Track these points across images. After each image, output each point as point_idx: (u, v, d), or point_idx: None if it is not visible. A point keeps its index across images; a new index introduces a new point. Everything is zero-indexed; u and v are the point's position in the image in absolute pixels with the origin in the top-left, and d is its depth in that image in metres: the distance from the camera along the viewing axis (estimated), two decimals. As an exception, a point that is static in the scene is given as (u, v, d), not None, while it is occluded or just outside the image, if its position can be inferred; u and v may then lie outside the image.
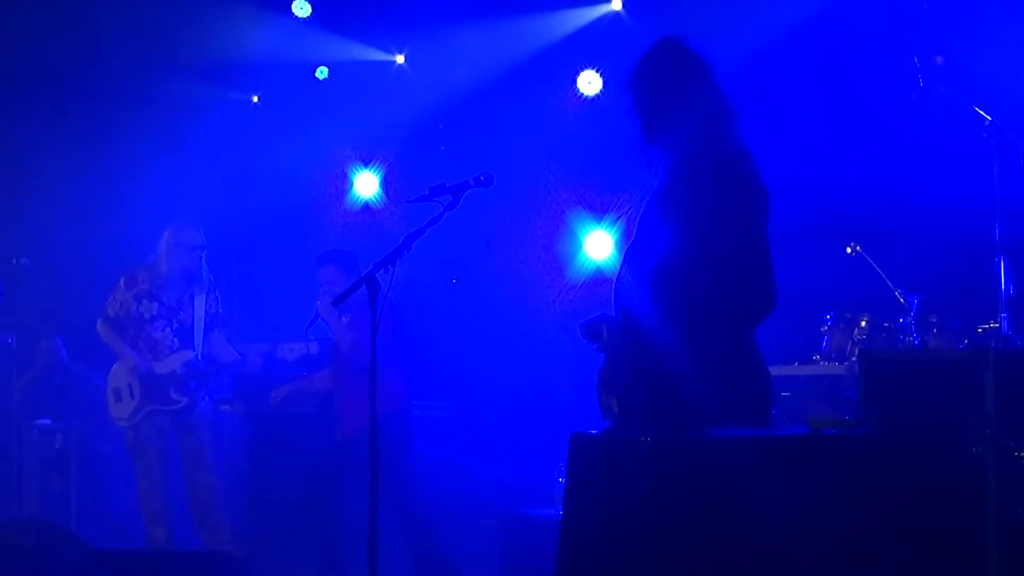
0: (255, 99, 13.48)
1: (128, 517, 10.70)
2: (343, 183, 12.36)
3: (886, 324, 8.73)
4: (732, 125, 4.92)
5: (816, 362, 8.91)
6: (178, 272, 9.27)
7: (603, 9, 11.03)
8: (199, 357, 9.26)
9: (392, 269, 5.76)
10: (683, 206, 4.76)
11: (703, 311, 4.63)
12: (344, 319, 8.66)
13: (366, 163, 12.24)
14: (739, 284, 4.67)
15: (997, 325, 8.18)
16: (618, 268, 5.07)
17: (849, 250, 8.93)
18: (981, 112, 8.23)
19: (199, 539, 9.28)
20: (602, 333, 4.91)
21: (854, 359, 8.35)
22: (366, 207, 12.25)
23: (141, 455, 9.17)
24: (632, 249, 4.97)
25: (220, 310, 9.49)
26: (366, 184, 12.21)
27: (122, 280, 9.30)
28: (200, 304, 9.31)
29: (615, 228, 10.49)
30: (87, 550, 8.11)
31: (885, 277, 8.76)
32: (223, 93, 13.14)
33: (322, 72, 12.45)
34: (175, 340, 9.23)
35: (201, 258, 9.34)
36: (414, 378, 9.14)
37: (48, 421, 11.41)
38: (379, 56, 12.38)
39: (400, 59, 12.36)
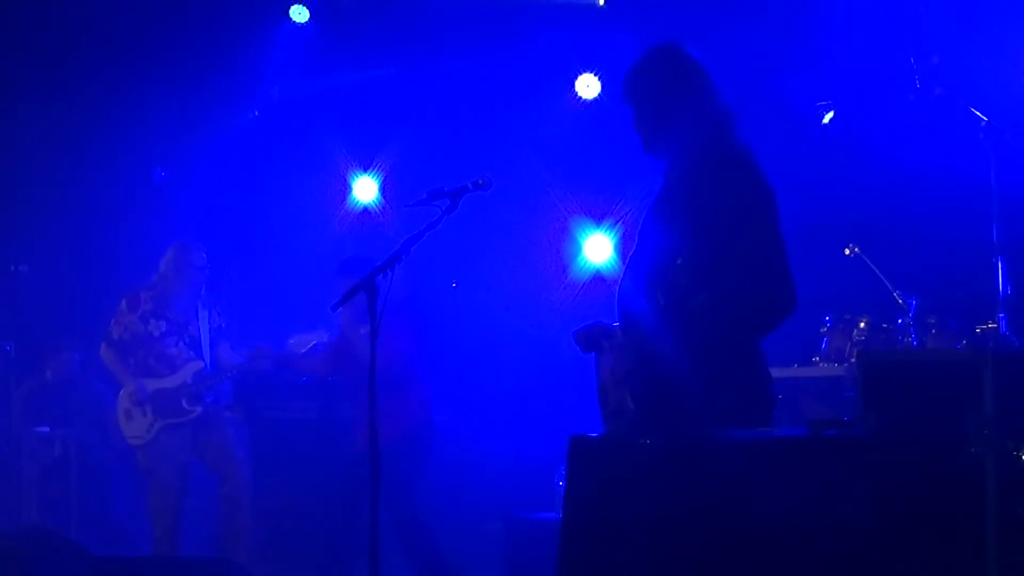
0: (256, 113, 13.47)
1: (128, 524, 10.69)
2: (342, 188, 12.34)
3: (885, 325, 8.74)
4: (732, 127, 4.92)
5: (815, 364, 8.93)
6: (184, 291, 9.25)
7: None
8: (208, 368, 9.27)
9: (391, 274, 5.75)
10: (688, 211, 4.75)
11: (710, 315, 4.62)
12: (361, 331, 8.43)
13: (365, 168, 12.21)
14: (753, 287, 4.66)
15: (995, 326, 8.21)
16: (620, 274, 5.08)
17: (847, 251, 8.96)
18: (978, 113, 8.26)
19: (214, 549, 9.27)
20: (598, 340, 4.91)
21: (853, 360, 8.36)
22: (365, 212, 12.22)
23: (154, 474, 9.14)
24: (635, 256, 4.97)
25: (223, 324, 9.50)
26: (365, 189, 12.18)
27: (124, 303, 9.25)
28: (204, 319, 9.31)
29: (614, 232, 10.51)
30: (87, 558, 8.10)
31: (883, 278, 8.78)
32: (224, 99, 13.12)
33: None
34: (189, 352, 9.25)
35: (204, 278, 9.34)
36: (439, 384, 9.14)
37: (47, 428, 11.38)
38: (378, 63, 12.38)
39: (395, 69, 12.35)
